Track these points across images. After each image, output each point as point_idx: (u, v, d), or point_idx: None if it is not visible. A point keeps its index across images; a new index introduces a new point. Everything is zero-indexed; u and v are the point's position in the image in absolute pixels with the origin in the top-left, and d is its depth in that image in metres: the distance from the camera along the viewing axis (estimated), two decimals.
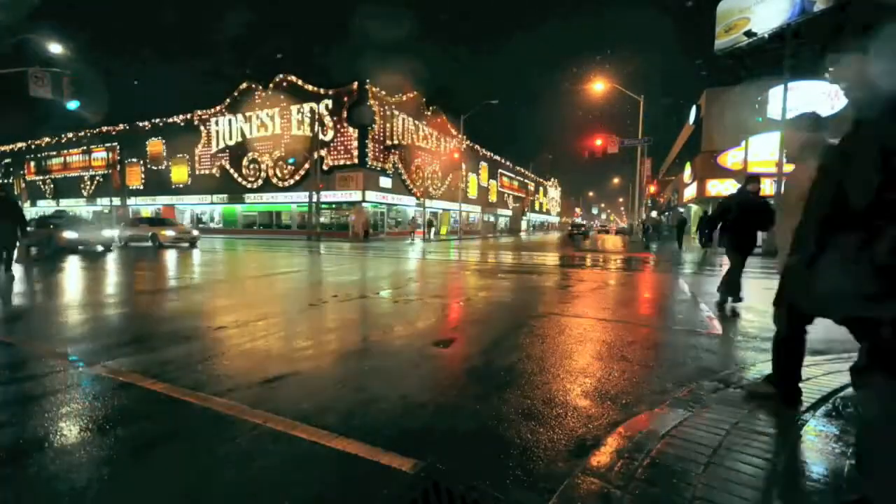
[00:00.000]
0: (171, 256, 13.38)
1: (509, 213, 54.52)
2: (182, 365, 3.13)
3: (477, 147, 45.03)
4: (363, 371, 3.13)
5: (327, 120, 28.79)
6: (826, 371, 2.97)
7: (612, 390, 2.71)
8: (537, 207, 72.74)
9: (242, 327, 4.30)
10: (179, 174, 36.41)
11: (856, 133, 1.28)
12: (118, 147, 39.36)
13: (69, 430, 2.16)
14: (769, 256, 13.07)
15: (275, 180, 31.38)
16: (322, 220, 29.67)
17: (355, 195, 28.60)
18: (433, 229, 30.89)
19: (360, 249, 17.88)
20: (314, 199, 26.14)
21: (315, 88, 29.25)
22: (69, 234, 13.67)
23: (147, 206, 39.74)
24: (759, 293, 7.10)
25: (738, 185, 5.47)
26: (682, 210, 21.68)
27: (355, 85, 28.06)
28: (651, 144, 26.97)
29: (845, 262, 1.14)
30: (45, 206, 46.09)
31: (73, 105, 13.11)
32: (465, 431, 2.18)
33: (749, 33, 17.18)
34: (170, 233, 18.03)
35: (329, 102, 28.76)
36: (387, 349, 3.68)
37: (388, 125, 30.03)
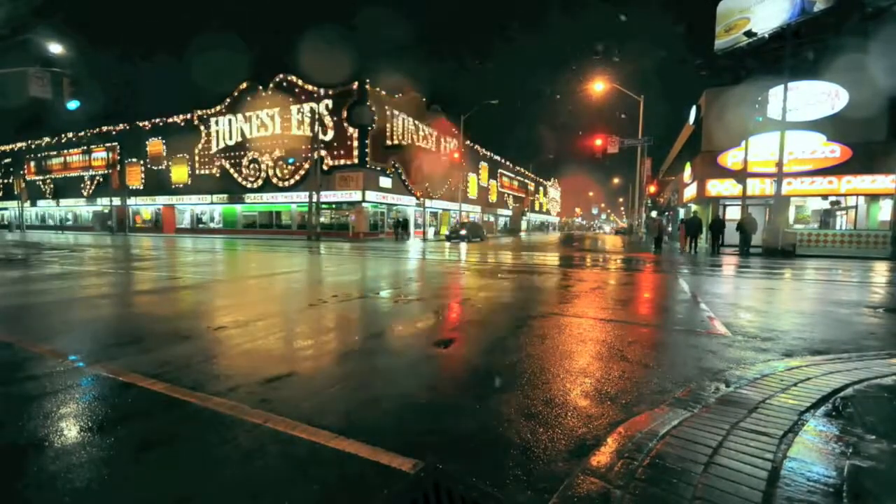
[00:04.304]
0: None
1: (509, 212, 54.55)
2: (182, 365, 3.13)
3: (477, 147, 45.05)
4: (363, 371, 3.13)
5: (327, 120, 28.79)
6: (826, 371, 2.96)
7: (612, 390, 2.71)
8: (537, 207, 72.76)
9: (242, 327, 4.29)
10: (179, 174, 36.41)
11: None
12: (118, 147, 39.37)
13: (70, 430, 2.16)
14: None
15: (275, 180, 31.39)
16: (322, 220, 29.68)
17: (355, 195, 28.61)
18: (415, 229, 28.88)
19: (360, 250, 17.89)
20: (314, 199, 26.15)
21: (315, 88, 29.26)
22: None
23: (147, 206, 39.77)
24: (758, 293, 7.11)
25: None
26: (693, 209, 21.57)
27: (355, 85, 28.06)
28: (651, 144, 26.98)
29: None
30: (46, 206, 46.15)
31: (73, 105, 13.09)
32: (465, 431, 2.18)
33: (749, 33, 17.15)
34: None
35: (329, 102, 28.76)
36: (387, 349, 3.68)
37: (388, 125, 30.03)
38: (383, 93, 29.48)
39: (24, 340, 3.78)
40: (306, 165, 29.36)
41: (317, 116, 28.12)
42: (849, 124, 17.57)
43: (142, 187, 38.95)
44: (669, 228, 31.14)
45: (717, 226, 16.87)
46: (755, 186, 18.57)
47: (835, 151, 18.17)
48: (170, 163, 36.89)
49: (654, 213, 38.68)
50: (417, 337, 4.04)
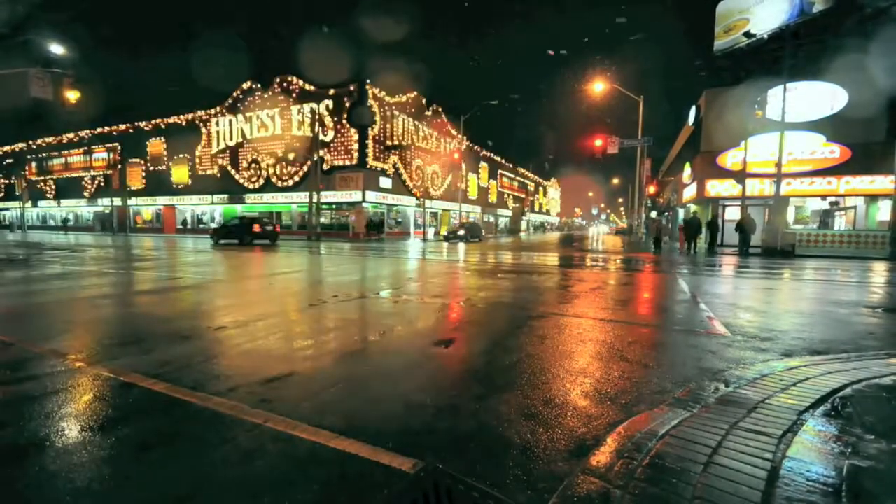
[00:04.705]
0: None
1: (509, 213, 54.58)
2: (183, 365, 3.13)
3: (477, 147, 45.06)
4: (363, 371, 3.13)
5: (327, 120, 28.80)
6: (825, 371, 2.97)
7: (611, 390, 2.72)
8: (537, 208, 72.75)
9: (243, 327, 4.30)
10: (180, 174, 36.42)
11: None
12: (119, 147, 39.38)
13: (70, 430, 2.17)
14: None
15: (275, 180, 31.39)
16: (322, 220, 29.69)
17: (355, 195, 28.61)
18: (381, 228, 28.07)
19: (360, 250, 17.90)
20: (314, 200, 26.14)
21: (315, 88, 29.26)
22: None
23: (147, 206, 39.77)
24: (758, 293, 7.11)
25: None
26: (692, 209, 21.63)
27: (355, 85, 28.07)
28: (651, 145, 26.98)
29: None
30: (47, 207, 46.15)
31: (72, 104, 13.07)
32: (465, 431, 2.18)
33: (748, 34, 17.17)
34: None
35: (329, 102, 28.77)
36: (387, 349, 3.69)
37: (388, 125, 30.04)
38: (383, 93, 29.48)
39: (25, 340, 3.79)
40: (306, 165, 29.37)
41: (317, 117, 28.11)
42: (848, 125, 17.59)
43: (142, 187, 38.95)
44: (669, 227, 31.15)
45: (710, 225, 17.75)
46: (754, 187, 18.58)
47: (834, 152, 18.18)
48: (170, 163, 36.90)
49: (653, 214, 38.69)
50: (417, 337, 4.05)
